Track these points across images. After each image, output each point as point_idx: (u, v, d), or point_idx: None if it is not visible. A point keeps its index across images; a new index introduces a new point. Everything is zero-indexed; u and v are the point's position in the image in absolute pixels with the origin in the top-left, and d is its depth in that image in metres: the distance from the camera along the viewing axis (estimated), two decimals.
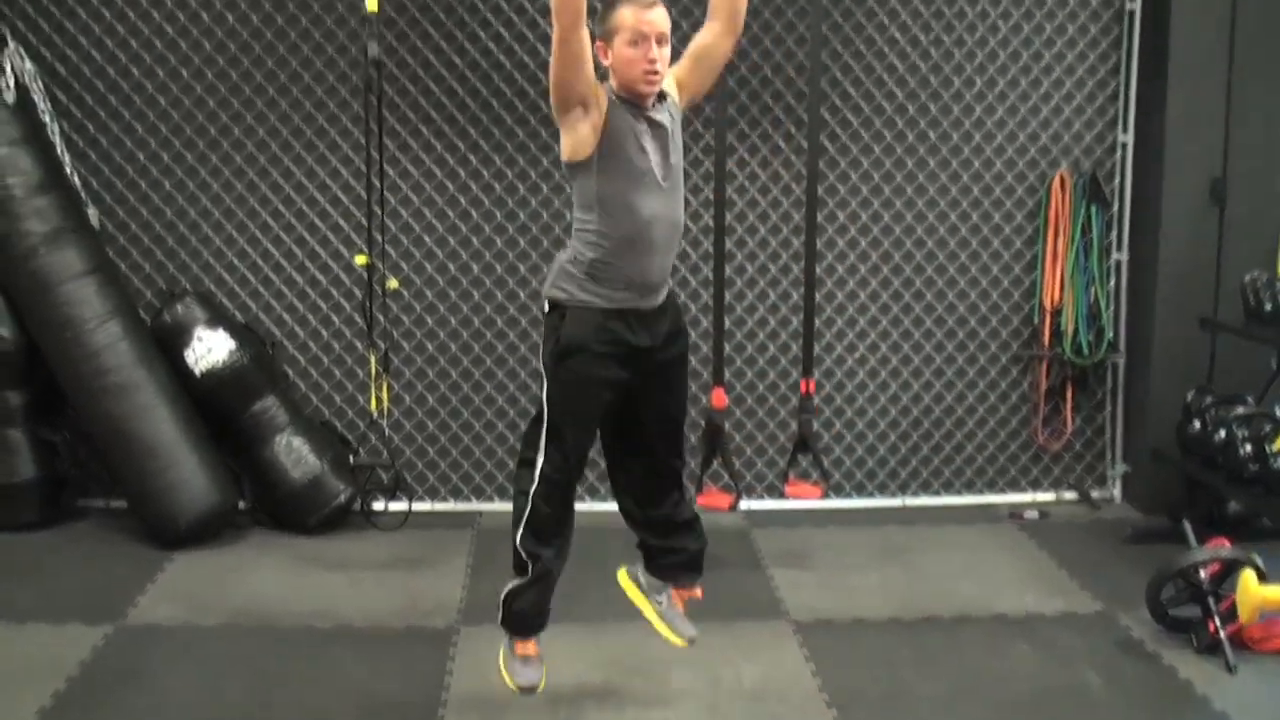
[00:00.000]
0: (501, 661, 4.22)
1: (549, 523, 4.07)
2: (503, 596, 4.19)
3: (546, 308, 4.03)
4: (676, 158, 3.98)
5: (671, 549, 4.34)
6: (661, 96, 3.96)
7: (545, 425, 3.98)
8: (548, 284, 4.02)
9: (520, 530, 4.08)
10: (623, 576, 4.47)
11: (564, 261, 3.98)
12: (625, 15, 3.81)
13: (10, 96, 5.84)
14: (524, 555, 4.09)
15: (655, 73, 3.83)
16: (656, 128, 3.92)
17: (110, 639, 4.97)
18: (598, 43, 3.87)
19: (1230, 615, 4.85)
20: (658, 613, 4.38)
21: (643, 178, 3.88)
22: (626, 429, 4.16)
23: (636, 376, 4.01)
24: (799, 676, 4.71)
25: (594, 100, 3.82)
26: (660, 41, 3.82)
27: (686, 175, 6.24)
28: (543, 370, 4.01)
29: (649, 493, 4.28)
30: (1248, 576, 4.76)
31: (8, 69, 5.86)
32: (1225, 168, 6.28)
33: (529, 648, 4.21)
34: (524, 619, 4.18)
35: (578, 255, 3.93)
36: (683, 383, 4.26)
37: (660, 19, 3.83)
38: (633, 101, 3.89)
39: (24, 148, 5.87)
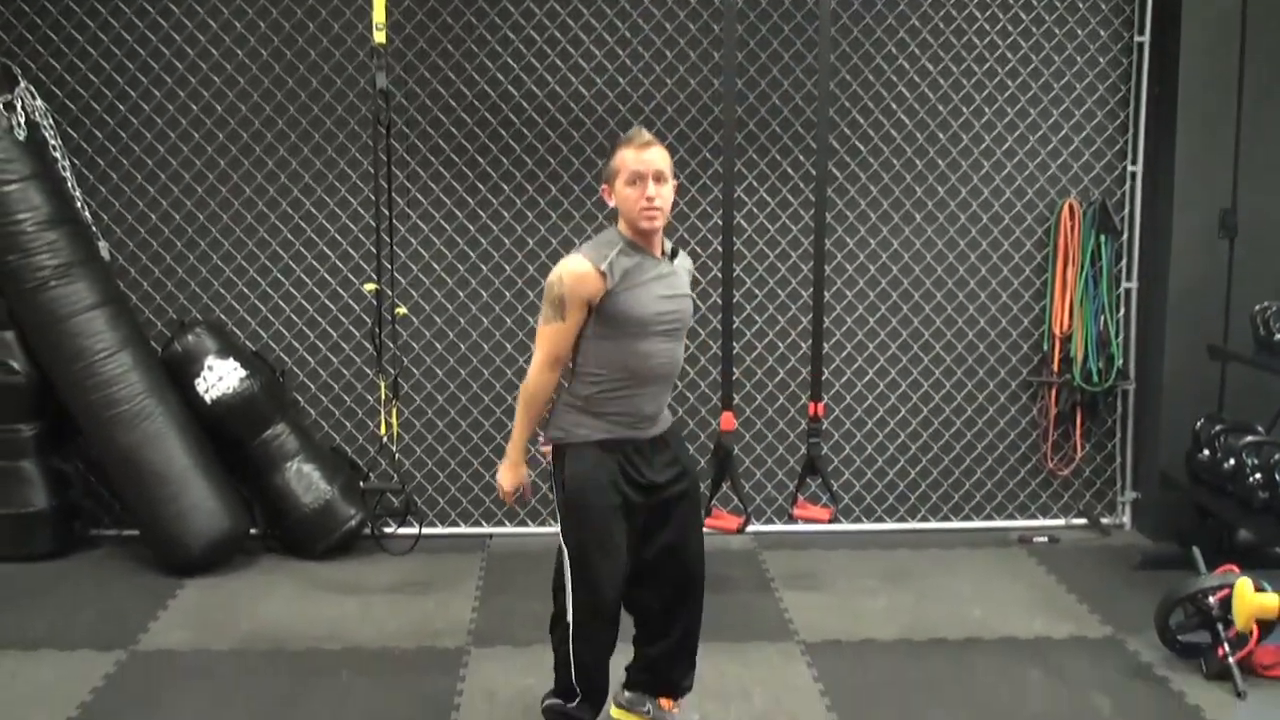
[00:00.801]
0: None
1: (594, 668, 4.14)
2: (543, 708, 4.27)
3: (550, 453, 4.12)
4: (680, 304, 4.07)
5: (656, 674, 4.39)
6: (675, 254, 4.10)
7: (569, 568, 4.05)
8: (549, 427, 4.12)
9: (564, 674, 4.15)
10: (613, 710, 4.49)
11: (561, 401, 4.10)
12: (624, 156, 3.96)
13: (21, 133, 5.92)
14: (574, 691, 4.15)
15: (653, 208, 3.94)
16: (663, 275, 4.03)
17: (123, 665, 5.00)
18: (603, 185, 4.05)
19: (1240, 642, 4.84)
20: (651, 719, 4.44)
21: (642, 324, 3.97)
22: (640, 571, 4.19)
23: (642, 511, 4.09)
24: (808, 697, 4.71)
25: (591, 300, 3.91)
26: (658, 179, 3.94)
27: (695, 202, 6.35)
28: (558, 513, 4.08)
29: (657, 635, 4.34)
30: (1243, 585, 4.77)
31: (19, 107, 5.93)
32: (1234, 198, 6.30)
33: None
34: None
35: (574, 392, 4.05)
36: (692, 525, 4.28)
37: (657, 157, 3.95)
38: (640, 245, 4.00)
39: (35, 183, 5.93)
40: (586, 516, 4.00)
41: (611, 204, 4.02)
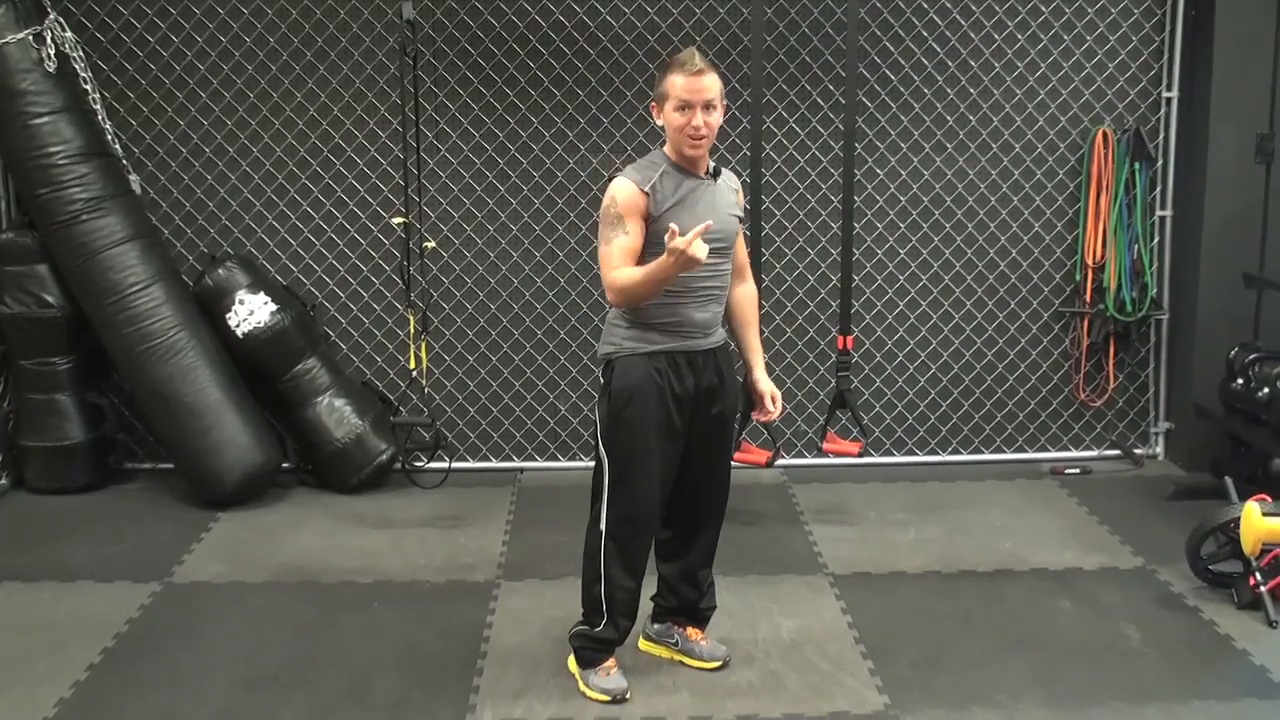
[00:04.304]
0: (580, 684, 4.29)
1: (622, 582, 4.21)
2: (570, 635, 4.34)
3: (602, 367, 4.19)
4: (724, 222, 4.07)
5: (676, 597, 4.46)
6: (718, 173, 4.13)
7: (606, 477, 4.13)
8: (600, 342, 4.19)
9: (593, 589, 4.22)
10: (641, 643, 4.57)
11: (611, 318, 4.15)
12: (675, 82, 3.95)
13: (52, 66, 5.89)
14: (601, 609, 4.23)
15: (700, 137, 3.96)
16: (706, 193, 4.06)
17: (158, 596, 5.06)
18: (651, 103, 4.07)
19: (1272, 571, 4.82)
20: (679, 651, 4.48)
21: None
22: (676, 487, 4.27)
23: (684, 428, 4.14)
24: (836, 628, 4.73)
25: (644, 216, 3.96)
26: (707, 108, 3.96)
27: (724, 134, 6.29)
28: (598, 424, 4.15)
29: (675, 548, 4.43)
30: (1250, 509, 4.77)
31: (49, 39, 5.90)
32: (1272, 123, 6.21)
33: (606, 667, 4.31)
34: (595, 656, 4.30)
35: (623, 308, 4.07)
36: (724, 450, 4.35)
37: (708, 85, 3.95)
38: (683, 167, 4.04)
39: (66, 116, 5.94)
40: (629, 429, 4.05)
41: (658, 122, 4.04)
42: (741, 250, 4.34)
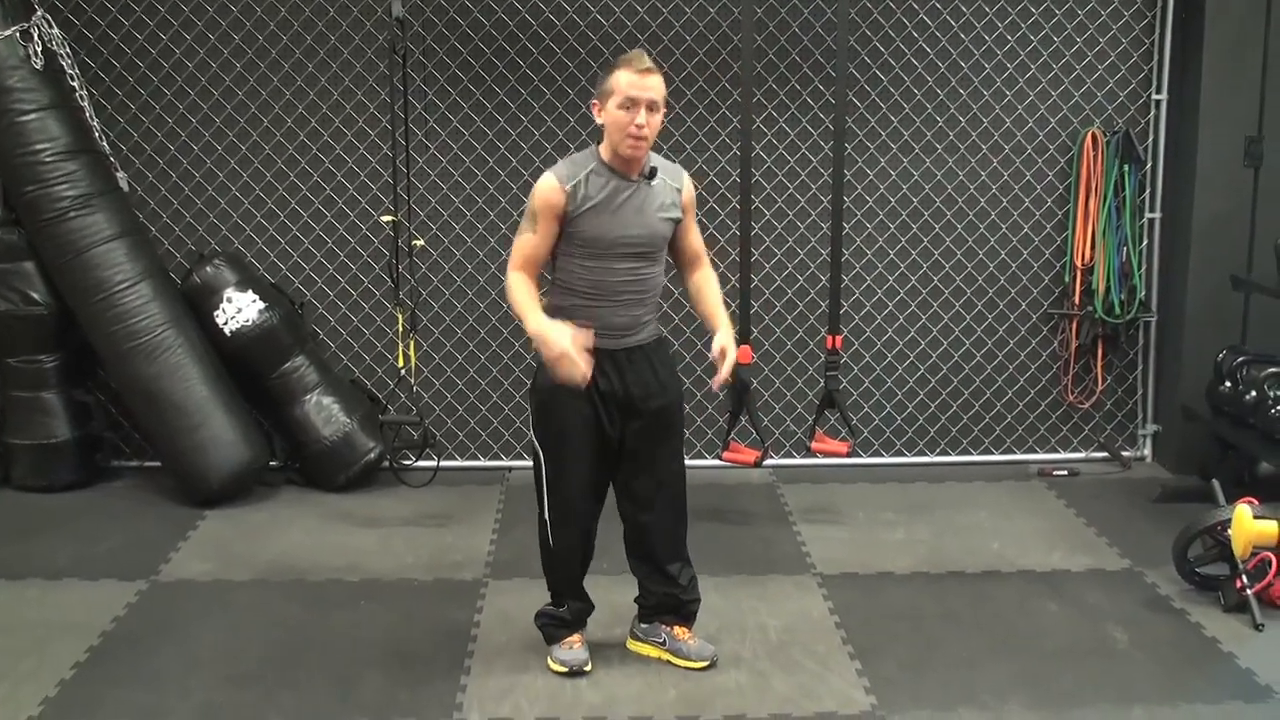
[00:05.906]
0: (548, 658, 4.40)
1: (568, 567, 4.36)
2: (535, 614, 4.48)
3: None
4: (651, 227, 4.08)
5: (657, 592, 4.46)
6: (653, 174, 4.09)
7: (542, 472, 4.23)
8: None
9: (550, 577, 4.41)
10: (629, 642, 4.58)
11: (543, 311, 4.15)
12: (620, 79, 3.95)
13: (39, 63, 5.87)
14: (560, 589, 4.42)
15: (639, 137, 3.95)
16: (635, 197, 4.05)
17: (144, 595, 5.04)
18: (594, 101, 4.07)
19: (1258, 574, 4.83)
20: (666, 650, 4.47)
21: (605, 245, 4.03)
22: (623, 482, 4.33)
23: (614, 423, 4.17)
24: (823, 628, 4.72)
25: (559, 215, 4.02)
26: (651, 109, 3.96)
27: (714, 133, 6.30)
28: (531, 418, 4.26)
29: (638, 544, 4.44)
30: (1242, 511, 4.78)
31: (35, 36, 5.88)
32: (1261, 126, 6.22)
33: (569, 642, 4.41)
34: (555, 632, 4.43)
35: (551, 303, 4.13)
36: (664, 441, 4.32)
37: (654, 86, 3.96)
38: (615, 168, 4.05)
39: (53, 113, 5.92)
40: (551, 420, 4.15)
41: (599, 121, 4.03)
42: (694, 241, 4.31)
